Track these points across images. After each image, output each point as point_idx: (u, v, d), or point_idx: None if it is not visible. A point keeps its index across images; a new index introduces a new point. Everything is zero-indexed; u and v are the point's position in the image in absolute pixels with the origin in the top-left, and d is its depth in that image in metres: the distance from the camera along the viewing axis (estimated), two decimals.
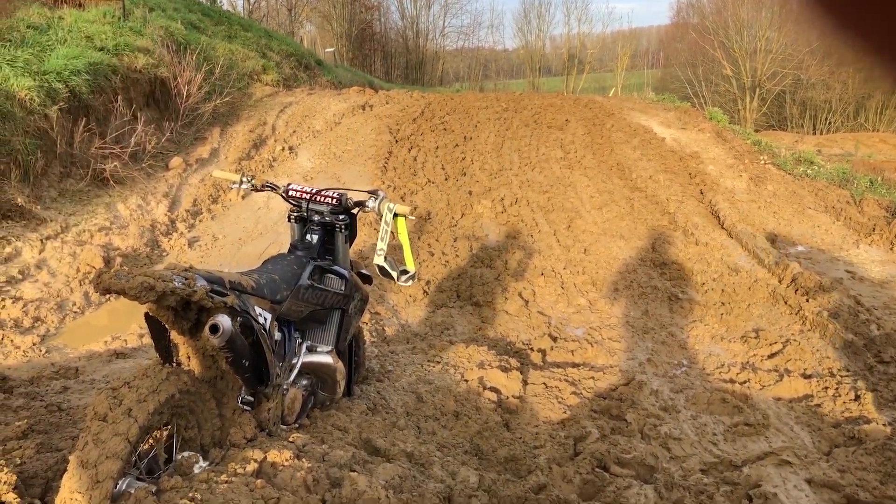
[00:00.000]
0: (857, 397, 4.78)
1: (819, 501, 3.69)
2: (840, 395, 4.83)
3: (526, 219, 8.70)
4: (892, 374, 5.21)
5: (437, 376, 4.96)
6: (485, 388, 4.80)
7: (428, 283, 7.05)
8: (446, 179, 9.97)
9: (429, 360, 5.30)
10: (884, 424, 4.31)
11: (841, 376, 5.14)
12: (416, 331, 6.14)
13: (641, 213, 9.10)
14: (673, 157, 11.40)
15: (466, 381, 4.90)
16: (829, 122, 26.68)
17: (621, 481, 3.69)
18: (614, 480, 3.69)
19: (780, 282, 6.99)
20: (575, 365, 5.52)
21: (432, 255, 7.64)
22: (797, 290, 6.66)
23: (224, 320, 2.55)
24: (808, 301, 6.35)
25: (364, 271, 4.05)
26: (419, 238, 8.05)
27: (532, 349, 5.79)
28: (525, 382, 5.03)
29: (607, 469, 3.84)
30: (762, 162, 11.79)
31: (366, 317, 6.07)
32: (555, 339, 5.95)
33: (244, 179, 3.80)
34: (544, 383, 5.05)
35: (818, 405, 4.77)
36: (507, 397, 4.75)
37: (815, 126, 26.86)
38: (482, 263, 7.47)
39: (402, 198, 9.15)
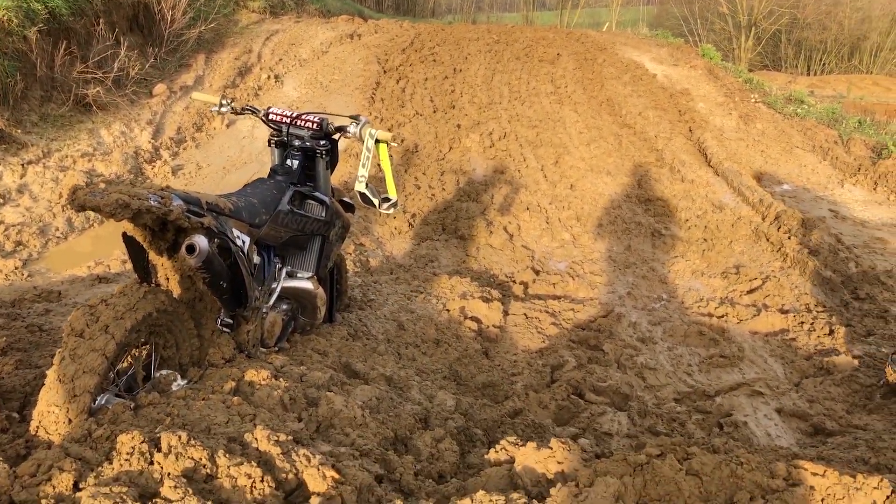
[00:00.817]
0: (832, 332, 4.87)
1: (787, 430, 3.79)
2: (815, 330, 4.92)
3: (514, 154, 8.65)
4: (867, 311, 5.31)
5: (420, 305, 5.00)
6: (466, 318, 4.86)
7: (413, 216, 7.04)
8: (434, 112, 9.85)
9: (412, 291, 5.34)
10: (853, 357, 4.41)
11: (817, 312, 5.23)
12: (401, 262, 6.16)
13: (629, 150, 9.06)
14: (663, 94, 11.29)
15: (448, 310, 4.95)
16: (824, 64, 26.40)
17: (596, 408, 3.78)
18: (589, 407, 3.78)
19: (763, 219, 7.03)
20: (556, 297, 5.58)
21: (419, 188, 7.62)
22: (780, 227, 6.70)
23: (201, 241, 2.55)
24: (789, 239, 6.40)
25: (346, 199, 4.03)
26: (406, 171, 8.00)
27: (514, 282, 5.83)
28: (506, 313, 5.09)
29: (582, 396, 3.92)
30: (753, 100, 11.71)
31: (350, 247, 6.08)
32: (537, 273, 6.00)
33: (224, 102, 3.74)
34: (525, 314, 5.11)
35: (793, 339, 4.86)
36: (488, 326, 4.81)
37: (809, 67, 26.58)
38: (468, 197, 7.46)
39: (389, 129, 9.05)
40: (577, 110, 10.33)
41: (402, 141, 8.63)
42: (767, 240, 6.55)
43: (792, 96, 12.68)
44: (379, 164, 3.72)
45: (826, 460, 3.03)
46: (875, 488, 2.11)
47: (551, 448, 2.41)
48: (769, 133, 10.23)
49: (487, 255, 6.41)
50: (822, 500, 2.13)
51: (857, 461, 3.04)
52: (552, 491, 2.14)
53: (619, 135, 9.54)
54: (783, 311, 5.27)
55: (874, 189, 8.56)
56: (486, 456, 2.58)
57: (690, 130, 10.04)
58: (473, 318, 4.88)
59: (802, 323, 5.03)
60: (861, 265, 6.11)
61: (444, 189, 7.60)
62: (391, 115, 9.59)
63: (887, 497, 2.08)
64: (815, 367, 4.43)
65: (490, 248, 6.55)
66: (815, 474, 2.20)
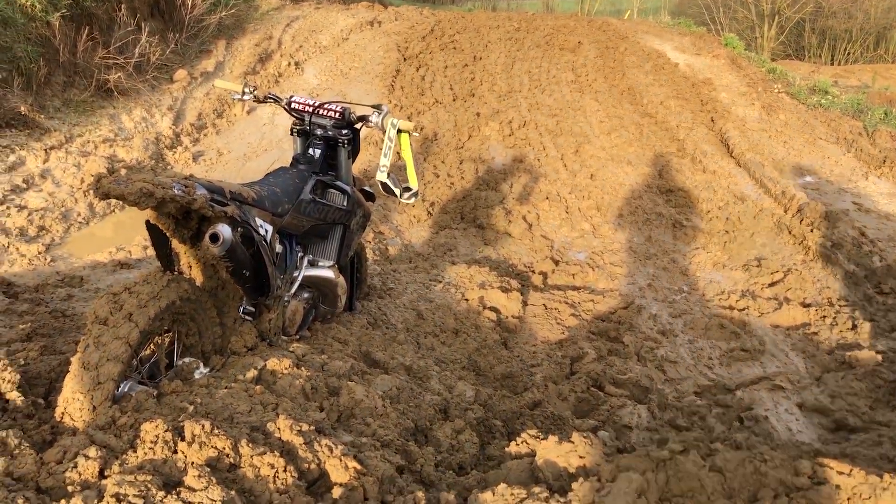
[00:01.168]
0: (854, 327, 4.82)
1: (809, 425, 3.76)
2: (837, 324, 4.86)
3: (533, 142, 8.60)
4: (891, 305, 5.24)
5: (438, 295, 5.00)
6: (485, 308, 4.85)
7: (432, 204, 7.03)
8: (454, 100, 9.82)
9: (430, 280, 5.34)
10: (876, 352, 4.35)
11: (840, 306, 5.17)
12: (419, 251, 6.16)
13: (650, 140, 8.99)
14: (685, 84, 11.18)
15: (467, 300, 4.94)
16: (848, 53, 25.96)
17: (615, 400, 3.76)
18: (608, 399, 3.76)
19: (785, 211, 6.95)
20: (575, 288, 5.56)
21: (438, 176, 7.60)
22: (802, 220, 6.62)
23: (224, 230, 2.55)
24: (812, 231, 6.33)
25: (367, 188, 4.03)
26: (425, 159, 7.99)
27: (533, 272, 5.82)
28: (525, 303, 5.07)
29: (602, 389, 3.91)
30: (776, 91, 11.56)
31: (369, 236, 6.08)
32: (557, 263, 5.98)
33: (246, 91, 3.74)
34: (544, 305, 5.09)
35: (815, 333, 4.81)
36: (507, 317, 4.80)
37: (833, 56, 26.15)
38: (487, 186, 7.44)
39: (408, 118, 9.03)
40: (598, 99, 10.25)
41: (422, 129, 8.61)
42: (790, 232, 6.48)
43: (816, 86, 12.50)
44: (399, 154, 3.71)
45: (850, 457, 3.00)
46: None
47: (573, 442, 2.40)
48: (792, 124, 10.10)
49: (506, 244, 6.39)
50: (848, 499, 2.11)
51: (882, 459, 3.00)
52: (574, 485, 2.13)
53: (640, 124, 9.46)
54: (805, 305, 5.21)
55: None
56: (506, 449, 2.57)
57: (712, 120, 9.93)
58: (492, 309, 4.87)
59: (825, 317, 4.97)
60: (885, 259, 6.03)
61: (463, 177, 7.58)
62: (411, 102, 9.57)
63: None
64: (837, 361, 4.39)
65: (509, 237, 6.53)
66: (840, 473, 2.18)
